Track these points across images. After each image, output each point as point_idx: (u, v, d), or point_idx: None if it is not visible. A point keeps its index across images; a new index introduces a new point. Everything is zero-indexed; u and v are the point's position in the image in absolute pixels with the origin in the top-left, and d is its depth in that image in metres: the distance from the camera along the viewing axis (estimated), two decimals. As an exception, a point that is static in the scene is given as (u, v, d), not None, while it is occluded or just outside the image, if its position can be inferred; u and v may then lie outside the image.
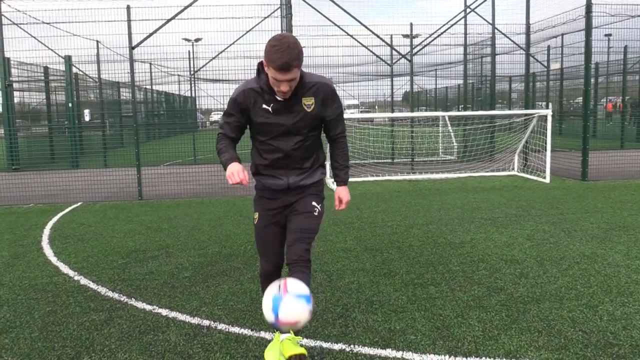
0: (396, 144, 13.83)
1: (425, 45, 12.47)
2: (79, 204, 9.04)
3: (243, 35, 14.20)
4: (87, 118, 14.55)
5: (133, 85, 9.11)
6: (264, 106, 2.80)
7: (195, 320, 3.82)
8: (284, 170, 2.95)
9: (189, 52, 22.29)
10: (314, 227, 2.99)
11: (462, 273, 4.70)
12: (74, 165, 13.59)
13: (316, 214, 3.00)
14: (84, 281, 4.79)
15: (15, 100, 15.80)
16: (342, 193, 3.10)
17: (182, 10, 8.52)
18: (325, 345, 3.37)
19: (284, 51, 2.57)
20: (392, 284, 4.46)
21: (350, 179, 10.13)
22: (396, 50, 11.60)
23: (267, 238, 3.09)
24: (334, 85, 2.95)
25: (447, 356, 3.16)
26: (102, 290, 4.54)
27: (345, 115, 10.92)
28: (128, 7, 8.54)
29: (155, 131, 24.32)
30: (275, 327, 2.81)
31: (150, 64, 24.92)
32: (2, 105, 13.57)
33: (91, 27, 12.77)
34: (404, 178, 10.85)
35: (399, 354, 3.21)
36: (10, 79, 13.35)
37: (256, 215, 3.11)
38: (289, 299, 2.58)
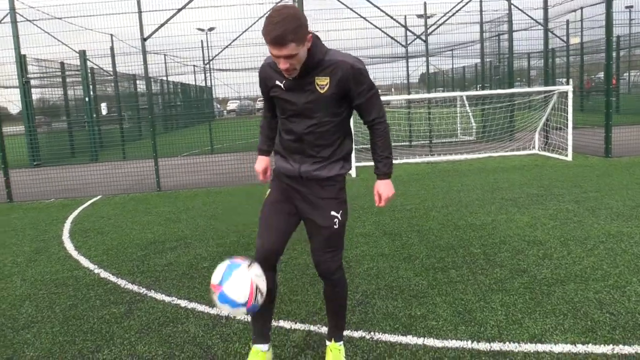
0: (414, 126, 13.65)
1: (440, 25, 12.20)
2: (99, 197, 9.11)
3: (256, 21, 14.12)
4: (104, 112, 14.65)
5: (147, 77, 9.10)
6: (277, 82, 2.62)
7: (214, 311, 3.80)
8: (298, 155, 2.69)
9: (201, 41, 22.19)
10: (337, 241, 2.76)
11: (483, 256, 4.61)
12: (93, 159, 13.73)
13: (337, 227, 2.71)
14: (104, 274, 4.81)
15: (35, 97, 16.00)
16: (382, 188, 2.72)
17: (188, 3, 8.46)
18: (345, 333, 3.31)
19: (278, 23, 2.33)
20: (412, 269, 4.39)
21: (365, 163, 10.08)
22: (410, 31, 11.40)
23: (271, 213, 2.80)
24: (362, 65, 2.57)
25: (469, 342, 3.09)
26: (122, 282, 4.56)
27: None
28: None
29: (173, 122, 24.45)
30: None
31: (165, 55, 25.01)
32: (20, 102, 13.73)
33: (105, 20, 12.79)
34: (423, 160, 10.70)
35: (420, 341, 3.15)
36: (28, 75, 13.47)
37: (268, 191, 2.90)
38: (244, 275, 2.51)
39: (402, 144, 12.98)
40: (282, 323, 3.53)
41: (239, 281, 2.50)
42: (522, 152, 11.01)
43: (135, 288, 4.40)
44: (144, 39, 8.71)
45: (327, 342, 3.00)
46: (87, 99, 13.95)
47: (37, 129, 14.38)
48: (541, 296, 3.67)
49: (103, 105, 14.66)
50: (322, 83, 2.54)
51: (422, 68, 13.92)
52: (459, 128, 14.72)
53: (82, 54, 13.96)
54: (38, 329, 3.69)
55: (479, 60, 16.41)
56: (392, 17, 10.49)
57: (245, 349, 3.20)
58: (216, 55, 15.70)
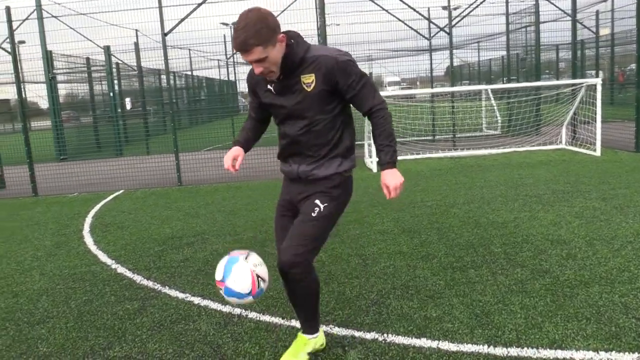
0: (437, 120, 13.43)
1: (465, 17, 11.93)
2: (121, 191, 9.21)
3: (278, 15, 14.04)
4: (128, 106, 14.81)
5: (167, 72, 9.13)
6: (268, 86, 2.59)
7: (226, 309, 3.77)
8: (296, 157, 2.68)
9: (224, 35, 22.25)
10: (309, 232, 2.60)
11: (504, 255, 4.47)
12: (118, 153, 13.90)
13: (314, 214, 2.61)
14: (120, 269, 4.83)
15: (63, 92, 16.28)
16: (387, 178, 2.57)
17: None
18: (357, 334, 3.24)
19: (241, 29, 2.30)
20: (430, 268, 4.28)
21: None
22: (434, 24, 11.17)
23: (279, 216, 2.86)
24: (347, 57, 2.50)
25: (485, 346, 2.98)
26: (138, 278, 4.56)
27: (385, 93, 10.66)
28: (161, -6, 8.51)
29: (198, 116, 24.58)
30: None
31: (190, 49, 25.19)
32: (47, 97, 13.99)
33: (129, 15, 12.91)
34: (446, 155, 10.51)
35: (434, 344, 3.05)
36: (54, 71, 13.69)
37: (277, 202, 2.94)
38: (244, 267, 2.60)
39: (425, 138, 12.79)
40: (293, 322, 3.46)
41: (239, 274, 2.58)
42: (548, 147, 10.72)
43: (150, 284, 4.40)
44: (164, 34, 8.73)
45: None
46: (111, 94, 14.11)
47: (64, 123, 14.63)
48: (563, 299, 3.53)
49: (127, 100, 14.83)
50: (308, 81, 2.49)
51: (448, 61, 13.68)
52: (484, 122, 14.43)
53: (107, 50, 14.12)
54: (53, 324, 3.71)
55: (504, 53, 16.01)
56: (415, 10, 10.29)
57: (255, 349, 3.15)
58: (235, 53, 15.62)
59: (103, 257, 5.27)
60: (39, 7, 12.87)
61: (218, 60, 29.57)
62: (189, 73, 25.99)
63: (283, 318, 3.56)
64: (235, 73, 32.70)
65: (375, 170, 9.24)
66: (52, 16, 12.72)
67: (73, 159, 13.59)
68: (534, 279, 3.90)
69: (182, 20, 8.55)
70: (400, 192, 2.60)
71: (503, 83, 19.05)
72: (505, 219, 5.57)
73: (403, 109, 13.37)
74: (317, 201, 2.63)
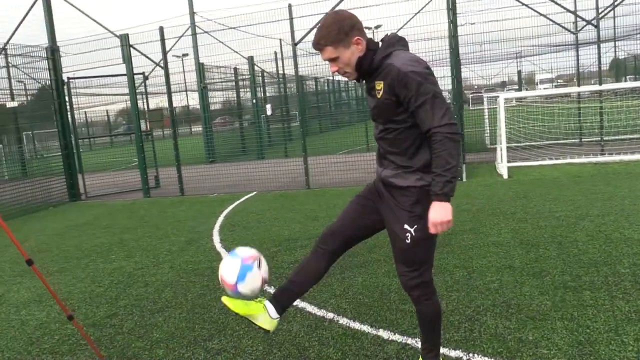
0: (586, 121, 12.22)
1: (616, 6, 10.67)
2: (254, 193, 9.86)
3: (412, 17, 13.93)
4: (269, 112, 15.77)
5: (297, 79, 9.57)
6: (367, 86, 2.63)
7: (321, 312, 3.87)
8: (383, 160, 2.62)
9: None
10: (412, 258, 2.53)
11: (631, 277, 3.96)
12: (259, 156, 14.89)
13: (409, 242, 2.50)
14: (236, 267, 5.19)
15: (217, 99, 17.88)
16: (432, 212, 2.36)
17: (338, 3, 8.65)
18: (442, 350, 3.13)
19: (317, 30, 2.44)
20: (539, 286, 3.96)
21: (525, 163, 9.32)
22: (580, 17, 10.18)
23: (352, 203, 2.78)
24: (412, 67, 2.32)
25: (580, 378, 2.69)
26: (249, 276, 4.87)
27: (531, 93, 9.93)
28: (289, 6, 8.96)
29: (333, 120, 25.20)
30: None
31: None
32: (199, 105, 15.46)
33: (271, 27, 13.71)
34: (589, 160, 9.52)
35: (522, 370, 2.84)
36: (205, 81, 15.09)
37: None
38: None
39: (566, 141, 11.72)
40: (380, 332, 3.46)
41: (252, 282, 2.67)
42: None
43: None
44: (294, 44, 9.17)
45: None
46: (254, 100, 15.14)
47: (221, 127, 15.98)
48: (693, 333, 3.04)
49: (268, 107, 15.78)
50: (378, 87, 2.46)
51: (609, 54, 12.30)
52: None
53: (250, 60, 15.17)
54: (169, 314, 4.14)
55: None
56: (556, 3, 9.48)
57: (338, 354, 3.21)
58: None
59: (225, 255, 5.72)
60: (193, 24, 14.28)
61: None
62: (330, 78, 26.80)
63: (372, 327, 3.56)
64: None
65: (505, 176, 8.72)
66: (204, 32, 14.03)
67: (220, 161, 14.88)
68: (662, 307, 3.41)
69: (310, 30, 8.89)
70: (446, 229, 2.38)
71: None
72: (645, 236, 4.92)
73: (548, 109, 12.40)
74: (406, 226, 2.51)
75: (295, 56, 9.28)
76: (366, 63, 2.46)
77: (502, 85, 38.92)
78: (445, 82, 8.94)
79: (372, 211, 2.70)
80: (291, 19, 8.96)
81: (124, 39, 9.64)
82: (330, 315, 3.81)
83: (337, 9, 2.56)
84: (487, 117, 13.08)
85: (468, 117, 15.63)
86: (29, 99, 11.89)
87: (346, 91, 27.63)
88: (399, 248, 2.57)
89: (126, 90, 10.79)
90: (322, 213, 7.36)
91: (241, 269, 2.68)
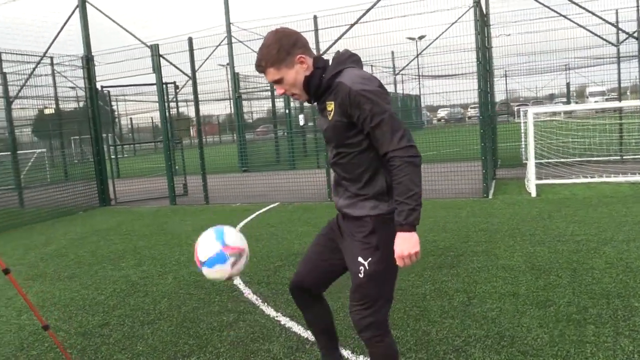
0: (631, 137, 11.61)
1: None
2: (276, 204, 9.82)
3: (443, 32, 13.78)
4: (301, 122, 15.78)
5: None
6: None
7: (306, 334, 3.75)
8: (338, 187, 2.45)
9: (391, 52, 22.35)
10: (366, 293, 2.32)
11: (642, 312, 3.65)
12: (291, 166, 14.89)
13: (362, 276, 2.31)
14: (237, 280, 5.14)
15: (251, 109, 18.07)
16: (397, 243, 2.19)
17: (364, 14, 8.56)
18: (418, 383, 2.96)
19: (258, 50, 2.30)
20: (540, 317, 3.71)
21: (557, 181, 8.90)
22: (622, 30, 9.69)
23: (312, 245, 2.67)
24: (364, 86, 2.17)
25: None
26: (246, 291, 4.81)
27: (560, 108, 9.52)
28: (315, 17, 8.93)
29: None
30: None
31: (372, 66, 25.88)
32: (234, 114, 15.64)
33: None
34: (627, 180, 8.99)
35: (497, 411, 2.63)
36: (240, 91, 15.27)
37: None
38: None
39: (613, 158, 11.15)
40: (361, 358, 3.31)
41: (216, 273, 2.54)
42: None
43: (253, 298, 4.61)
44: (319, 55, 9.12)
45: None
46: (287, 111, 15.20)
47: (257, 136, 16.05)
48: (698, 381, 2.75)
49: (301, 117, 15.80)
50: (329, 109, 2.28)
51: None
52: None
53: (284, 70, 15.26)
54: (158, 326, 4.12)
55: None
56: (595, 14, 9.06)
57: (310, 381, 3.08)
58: (409, 64, 15.59)
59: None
60: (229, 34, 14.49)
61: (403, 74, 29.85)
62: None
63: (353, 352, 3.42)
64: (420, 87, 32.68)
65: (534, 194, 8.34)
66: (239, 41, 14.21)
67: (253, 170, 14.98)
68: (669, 348, 3.12)
69: (336, 41, 8.84)
70: (414, 261, 2.21)
71: None
72: (669, 266, 4.56)
73: (587, 124, 11.86)
74: (360, 259, 2.32)
75: (320, 67, 9.23)
76: (314, 82, 2.30)
77: (551, 98, 37.72)
78: (472, 96, 8.63)
79: (334, 250, 2.55)
80: (316, 30, 8.93)
81: (154, 49, 9.85)
82: (312, 337, 3.68)
83: (281, 27, 2.40)
84: (523, 131, 12.64)
85: (507, 131, 15.18)
86: (66, 106, 12.31)
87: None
88: (354, 282, 2.38)
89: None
90: (338, 227, 7.22)
91: (215, 256, 2.53)
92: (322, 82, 2.30)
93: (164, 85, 10.29)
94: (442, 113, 44.51)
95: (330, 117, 2.29)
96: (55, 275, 5.88)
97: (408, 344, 3.47)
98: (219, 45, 14.67)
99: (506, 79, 27.63)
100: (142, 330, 4.06)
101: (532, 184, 8.36)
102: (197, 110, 10.26)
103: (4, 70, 10.79)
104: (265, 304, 4.45)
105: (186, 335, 3.90)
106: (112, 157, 14.84)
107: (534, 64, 17.71)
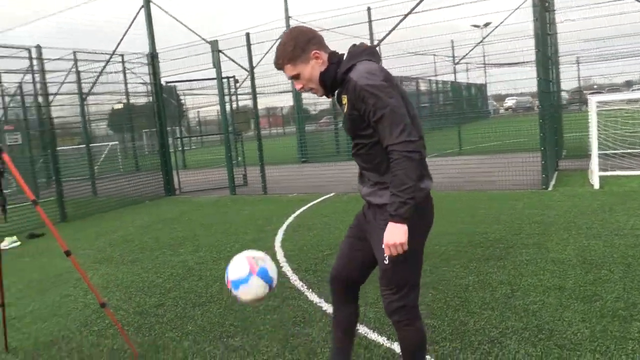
0: None
1: None
2: (332, 194, 9.96)
3: (503, 20, 13.34)
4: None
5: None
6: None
7: (345, 320, 3.86)
8: (361, 177, 2.56)
9: (451, 41, 21.78)
10: (392, 280, 2.41)
11: (696, 310, 3.48)
12: (350, 158, 14.98)
13: (386, 263, 2.39)
14: (285, 268, 5.33)
15: (311, 100, 18.29)
16: (386, 231, 2.28)
17: (417, 5, 8.48)
18: (449, 371, 3.00)
19: (276, 49, 2.42)
20: (584, 312, 3.62)
21: (624, 172, 8.45)
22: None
23: (345, 237, 2.74)
24: (368, 81, 2.24)
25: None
26: (293, 278, 4.98)
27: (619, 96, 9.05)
28: (369, 9, 8.94)
29: (441, 120, 24.57)
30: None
31: (434, 55, 25.42)
32: (294, 106, 15.91)
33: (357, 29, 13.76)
34: None
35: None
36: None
37: None
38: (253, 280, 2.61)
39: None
40: (394, 346, 3.38)
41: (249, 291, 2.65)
42: None
43: (299, 285, 4.77)
44: (374, 47, 9.14)
45: None
46: (345, 102, 15.30)
47: (320, 127, 16.24)
48: None
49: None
50: (344, 102, 2.38)
51: None
52: None
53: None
54: (208, 308, 4.37)
55: None
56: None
57: (344, 365, 3.19)
58: (470, 51, 15.23)
59: (280, 254, 5.88)
60: (288, 27, 14.72)
61: (467, 63, 29.13)
62: (433, 78, 26.19)
63: (388, 339, 3.50)
64: (485, 76, 31.76)
65: (596, 186, 7.98)
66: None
67: (312, 161, 15.19)
68: None
69: (390, 32, 8.80)
70: (401, 251, 2.28)
71: None
72: None
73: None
74: (383, 245, 2.37)
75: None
76: (329, 77, 2.40)
77: (628, 85, 35.51)
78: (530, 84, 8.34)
79: (364, 239, 2.61)
80: (370, 21, 8.93)
81: (214, 45, 10.22)
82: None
83: (296, 26, 2.49)
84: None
85: (577, 120, 14.49)
86: (136, 101, 13.03)
87: (444, 92, 26.89)
88: (380, 268, 2.47)
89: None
90: (389, 218, 7.25)
91: (241, 280, 2.65)
92: (336, 76, 2.40)
93: (224, 80, 10.65)
94: (509, 102, 42.87)
95: (345, 110, 2.39)
96: (120, 259, 6.32)
97: (444, 333, 3.50)
98: (278, 39, 14.92)
99: (578, 66, 26.29)
100: (193, 312, 4.33)
101: (595, 175, 8.00)
102: (255, 104, 10.55)
103: (79, 69, 11.56)
104: (310, 290, 4.59)
105: (232, 318, 4.12)
106: (179, 149, 15.55)
107: (606, 49, 16.77)
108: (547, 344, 3.22)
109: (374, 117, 2.26)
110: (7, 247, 7.63)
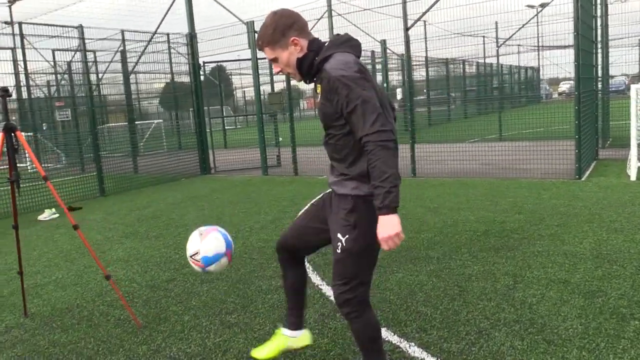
0: None
1: None
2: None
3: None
4: (399, 97, 15.59)
5: (409, 62, 9.36)
6: None
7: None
8: (330, 166, 2.56)
9: (494, 24, 21.01)
10: (344, 270, 2.41)
11: (701, 312, 3.34)
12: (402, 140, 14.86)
13: (339, 251, 2.39)
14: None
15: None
16: (378, 229, 2.20)
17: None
18: (427, 358, 3.02)
19: (259, 29, 2.45)
20: (584, 307, 3.53)
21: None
22: None
23: (301, 213, 2.79)
24: (341, 72, 2.21)
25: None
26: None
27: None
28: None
29: (487, 104, 23.93)
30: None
31: (484, 36, 24.63)
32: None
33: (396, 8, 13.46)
34: None
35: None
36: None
37: None
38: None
39: None
40: (384, 332, 3.41)
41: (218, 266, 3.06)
42: None
43: (314, 277, 4.85)
44: (407, 29, 8.99)
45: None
46: (384, 84, 15.11)
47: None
48: None
49: (399, 91, 15.61)
50: (319, 91, 2.36)
51: None
52: None
53: (383, 43, 15.11)
54: (214, 285, 4.52)
55: None
56: None
57: (336, 349, 3.26)
58: (514, 33, 14.66)
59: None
60: (329, 7, 14.64)
61: (518, 45, 28.09)
62: (481, 61, 25.43)
63: (401, 337, 3.52)
64: (539, 59, 30.52)
65: (633, 177, 7.63)
66: (338, 14, 14.32)
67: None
68: None
69: (424, 14, 8.63)
70: (398, 243, 2.21)
71: None
72: None
73: None
74: (339, 235, 2.40)
75: (407, 41, 9.09)
76: (305, 65, 2.39)
77: (696, 69, 33.22)
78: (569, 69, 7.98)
79: (322, 221, 2.64)
80: (404, 2, 8.78)
81: (250, 26, 10.32)
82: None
83: (281, 7, 2.50)
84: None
85: (622, 108, 13.80)
86: (181, 80, 13.34)
87: (490, 76, 26.06)
88: (334, 257, 2.48)
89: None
90: (407, 204, 7.22)
91: (214, 257, 3.18)
92: (313, 64, 2.39)
93: (259, 61, 10.76)
94: (563, 87, 41.04)
95: (319, 100, 2.38)
96: (145, 234, 6.60)
97: (434, 321, 3.51)
98: (320, 18, 14.87)
99: (596, 51, 24.87)
100: (200, 288, 4.50)
101: (633, 166, 7.65)
102: (289, 85, 10.62)
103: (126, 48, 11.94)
104: (315, 272, 4.67)
105: (235, 295, 4.26)
106: (219, 129, 15.86)
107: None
108: (535, 338, 3.18)
109: (347, 108, 2.23)
110: (46, 219, 8.10)
